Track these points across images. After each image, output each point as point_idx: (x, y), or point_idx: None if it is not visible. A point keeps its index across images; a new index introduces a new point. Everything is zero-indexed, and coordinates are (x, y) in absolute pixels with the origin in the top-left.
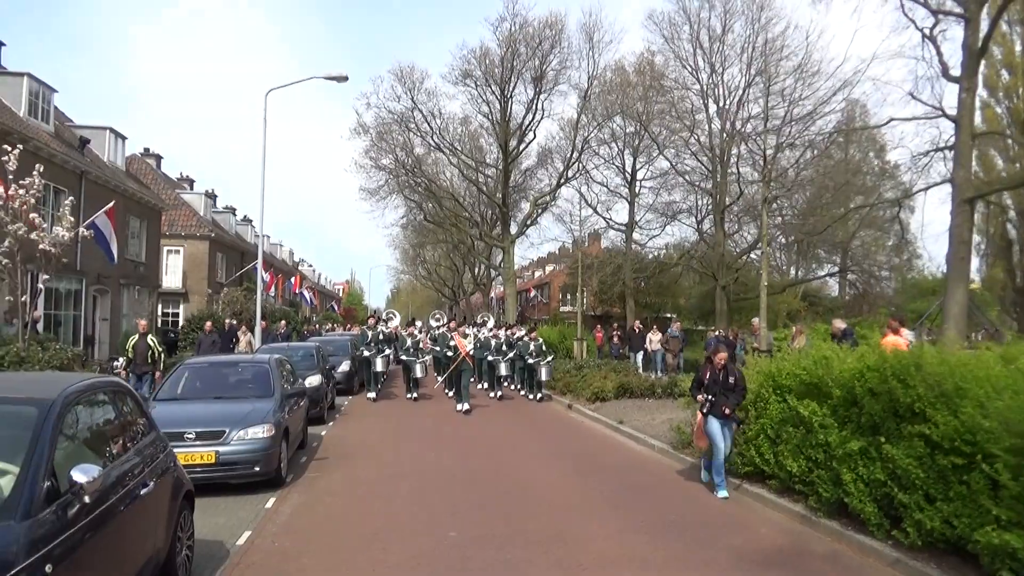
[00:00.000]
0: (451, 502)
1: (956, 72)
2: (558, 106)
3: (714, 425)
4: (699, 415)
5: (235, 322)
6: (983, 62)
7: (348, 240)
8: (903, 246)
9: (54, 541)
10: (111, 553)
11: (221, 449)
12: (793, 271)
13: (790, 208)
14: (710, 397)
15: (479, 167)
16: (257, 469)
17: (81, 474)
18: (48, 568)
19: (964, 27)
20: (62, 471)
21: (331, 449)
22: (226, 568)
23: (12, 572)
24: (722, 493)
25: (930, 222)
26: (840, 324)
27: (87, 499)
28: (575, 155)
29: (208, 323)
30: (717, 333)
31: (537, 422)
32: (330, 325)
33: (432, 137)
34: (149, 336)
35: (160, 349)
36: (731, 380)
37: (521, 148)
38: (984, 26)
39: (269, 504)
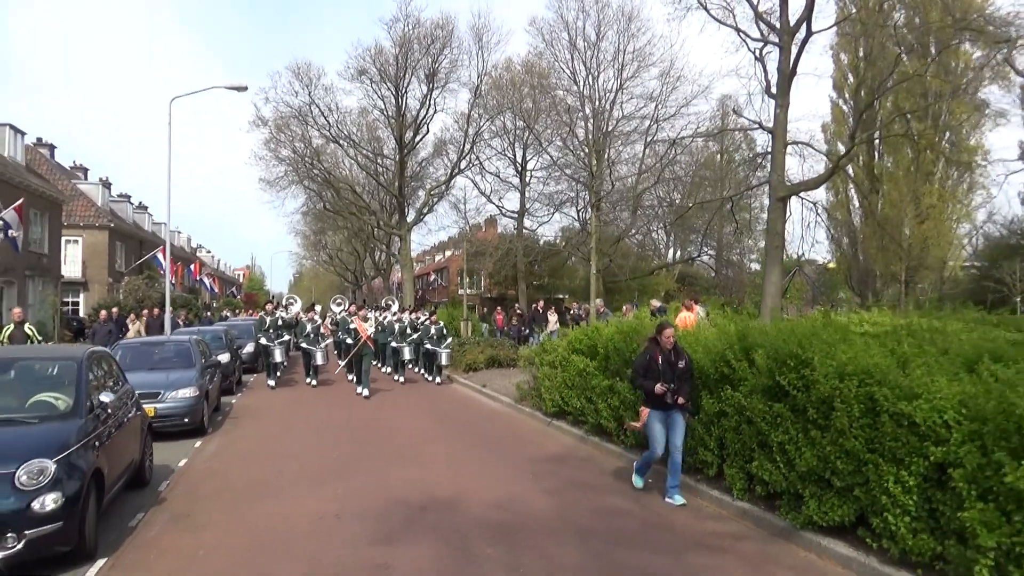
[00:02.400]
0: (336, 440)
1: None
2: (451, 101)
3: (658, 419)
4: (644, 409)
5: (118, 311)
6: (834, 67)
7: (248, 226)
8: (748, 235)
9: (95, 432)
10: (120, 447)
11: (158, 406)
12: (671, 254)
13: (666, 196)
14: (672, 386)
15: (377, 158)
16: (186, 421)
17: (105, 397)
18: (96, 444)
19: (779, 54)
20: (93, 396)
21: (241, 412)
22: (175, 476)
23: (81, 443)
24: (638, 482)
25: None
26: (656, 303)
27: (109, 411)
28: (468, 147)
29: (103, 312)
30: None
31: (421, 393)
32: (225, 312)
33: (330, 131)
34: (27, 325)
35: (39, 338)
36: (681, 364)
37: (416, 141)
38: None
39: (197, 445)
